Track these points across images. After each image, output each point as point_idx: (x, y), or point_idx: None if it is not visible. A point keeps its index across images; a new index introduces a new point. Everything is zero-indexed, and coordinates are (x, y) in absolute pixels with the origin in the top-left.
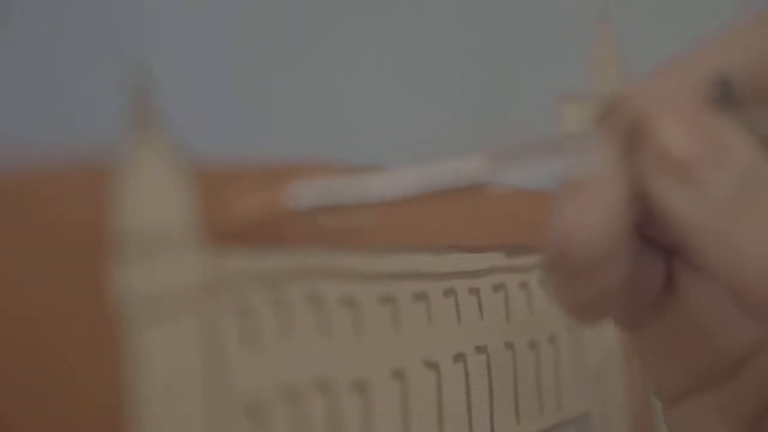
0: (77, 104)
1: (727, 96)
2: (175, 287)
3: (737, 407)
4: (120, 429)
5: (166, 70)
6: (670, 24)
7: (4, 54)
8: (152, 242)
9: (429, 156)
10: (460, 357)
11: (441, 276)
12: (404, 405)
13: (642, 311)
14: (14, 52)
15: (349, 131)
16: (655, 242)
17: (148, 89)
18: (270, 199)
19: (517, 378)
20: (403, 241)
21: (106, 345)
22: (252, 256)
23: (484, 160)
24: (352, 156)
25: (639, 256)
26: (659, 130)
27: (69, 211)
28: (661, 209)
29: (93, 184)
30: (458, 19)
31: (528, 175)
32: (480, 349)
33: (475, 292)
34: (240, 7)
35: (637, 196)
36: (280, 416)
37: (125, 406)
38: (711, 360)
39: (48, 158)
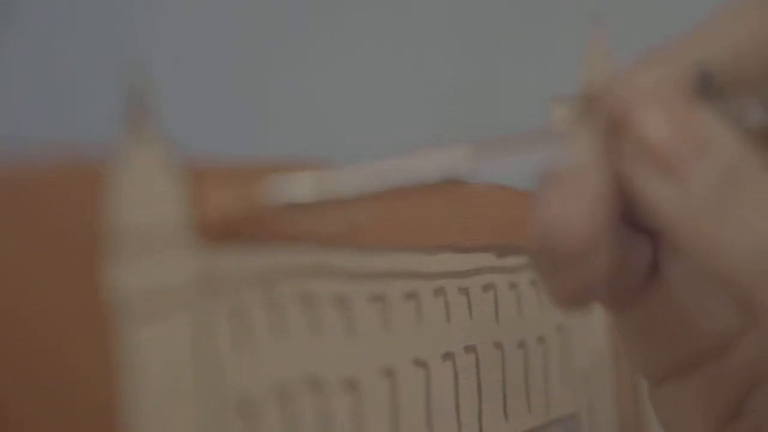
0: (73, 103)
1: (709, 87)
2: (168, 285)
3: (720, 389)
4: (113, 426)
5: (161, 70)
6: (663, 24)
7: (3, 54)
8: (146, 240)
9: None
10: (449, 356)
11: (431, 275)
12: (393, 403)
13: (627, 294)
14: (12, 52)
15: (340, 130)
16: (640, 225)
17: (143, 89)
18: (249, 195)
19: (505, 377)
20: (394, 240)
21: (99, 342)
22: (244, 255)
23: (464, 152)
24: (342, 155)
25: (624, 240)
26: (640, 122)
27: (63, 209)
28: (643, 200)
29: (87, 182)
30: (448, 19)
31: (509, 168)
32: (469, 349)
33: (464, 291)
34: (234, 9)
35: (620, 186)
36: (271, 414)
37: (118, 403)
38: (694, 342)
39: (43, 156)
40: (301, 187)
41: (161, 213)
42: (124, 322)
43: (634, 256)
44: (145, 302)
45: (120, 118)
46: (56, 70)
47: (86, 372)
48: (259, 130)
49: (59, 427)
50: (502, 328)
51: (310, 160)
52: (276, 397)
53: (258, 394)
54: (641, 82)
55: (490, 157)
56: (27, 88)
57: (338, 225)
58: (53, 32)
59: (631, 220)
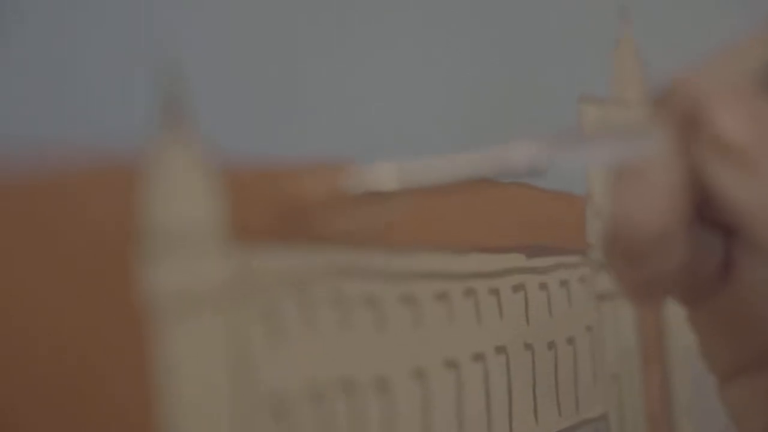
0: (107, 104)
1: None
2: (202, 285)
3: None
4: (149, 425)
5: (194, 70)
6: (690, 25)
7: (35, 54)
8: (180, 240)
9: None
10: (479, 357)
11: (461, 276)
12: (425, 403)
13: (700, 289)
14: (40, 54)
15: (371, 131)
16: (714, 222)
17: (176, 89)
18: (331, 185)
19: (535, 378)
20: (425, 241)
21: (134, 342)
22: (277, 255)
23: (539, 146)
24: (374, 155)
25: (698, 236)
26: (715, 117)
27: (98, 210)
28: (718, 193)
29: (122, 183)
30: (478, 18)
31: (584, 162)
32: (499, 349)
33: (494, 292)
34: (269, 10)
35: (694, 180)
36: (304, 414)
37: (153, 402)
38: (764, 341)
39: (77, 157)
40: (382, 177)
41: (195, 213)
42: (158, 321)
43: (707, 253)
44: (179, 302)
45: (153, 118)
46: (86, 71)
47: (121, 372)
48: (285, 131)
49: (96, 426)
50: (532, 328)
51: (343, 161)
52: (308, 397)
53: (291, 393)
54: (714, 78)
55: (567, 149)
56: (58, 89)
57: (375, 222)
58: (85, 33)
59: (705, 216)
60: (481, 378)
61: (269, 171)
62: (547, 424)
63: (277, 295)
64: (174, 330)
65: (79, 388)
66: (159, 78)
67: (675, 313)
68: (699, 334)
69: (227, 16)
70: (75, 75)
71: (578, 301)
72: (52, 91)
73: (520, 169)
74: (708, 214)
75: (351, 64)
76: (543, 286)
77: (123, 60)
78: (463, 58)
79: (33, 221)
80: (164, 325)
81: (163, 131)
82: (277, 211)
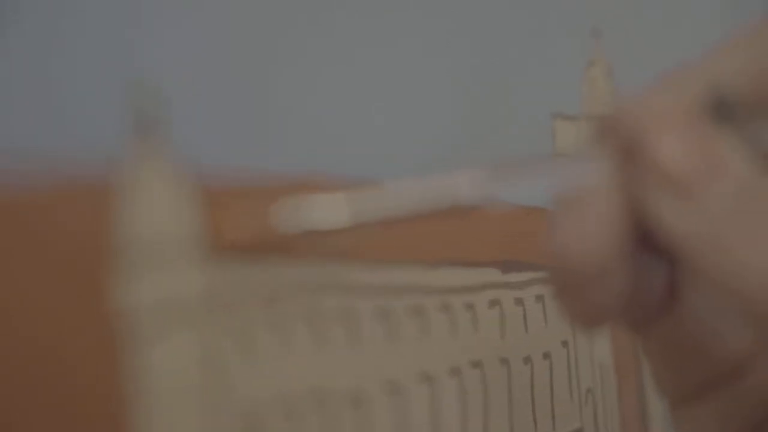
0: (79, 117)
1: (723, 110)
2: (175, 300)
3: (738, 412)
4: None
5: (168, 83)
6: (663, 42)
7: (5, 67)
8: (154, 255)
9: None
10: (455, 371)
11: (437, 290)
12: (399, 418)
13: (645, 315)
14: (15, 66)
15: (346, 146)
16: (658, 248)
17: (150, 103)
18: (263, 219)
19: (511, 393)
20: (400, 255)
21: (107, 357)
22: (251, 270)
23: (480, 175)
24: (349, 169)
25: (641, 262)
26: (655, 145)
27: (71, 224)
28: (658, 224)
29: (94, 197)
30: (451, 36)
31: (524, 191)
32: (475, 364)
33: (470, 307)
34: (244, 21)
35: (636, 208)
36: (278, 428)
37: (126, 417)
38: (712, 364)
39: (49, 171)
40: (319, 211)
41: (169, 228)
42: (132, 336)
43: (651, 279)
44: (153, 317)
45: (126, 132)
46: (59, 84)
47: (95, 387)
48: (260, 145)
49: None
50: (508, 343)
51: (318, 176)
52: (282, 412)
53: (265, 408)
54: (655, 106)
55: (507, 179)
56: (29, 101)
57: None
58: (56, 46)
59: (649, 242)
60: (457, 392)
61: (244, 185)
62: None
63: (252, 310)
64: (148, 344)
65: (52, 401)
66: (133, 92)
67: None
68: (649, 359)
69: (201, 31)
70: (49, 90)
71: (554, 316)
72: (26, 106)
73: (463, 200)
74: (652, 240)
75: (326, 78)
76: (519, 301)
77: (97, 74)
78: (437, 77)
79: (5, 236)
80: (138, 339)
81: (137, 145)
82: (252, 226)
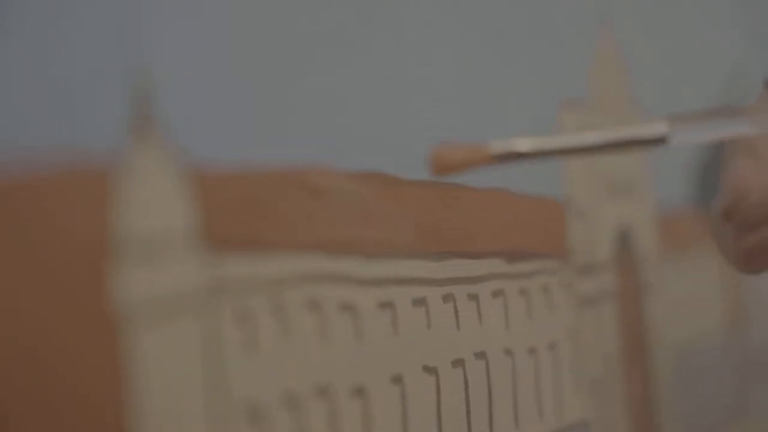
0: (79, 109)
1: None
2: (175, 291)
3: None
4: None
5: (166, 75)
6: (670, 28)
7: (5, 59)
8: (153, 246)
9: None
10: (459, 362)
11: (440, 281)
12: (403, 410)
13: None
14: (15, 58)
15: (347, 135)
16: None
17: (148, 94)
18: (475, 147)
19: (516, 384)
20: (403, 246)
21: (107, 348)
22: (252, 261)
23: (665, 122)
24: (348, 159)
25: None
26: None
27: (70, 216)
28: None
29: (94, 189)
30: (458, 23)
31: (706, 135)
32: (479, 355)
33: (474, 297)
34: (242, 13)
35: None
36: (279, 420)
37: (126, 408)
38: None
39: (49, 162)
40: (520, 142)
41: (168, 219)
42: (131, 328)
43: None
44: (152, 308)
45: (125, 123)
46: (58, 75)
47: (94, 377)
48: (260, 135)
49: None
50: (513, 334)
51: (315, 165)
52: (284, 404)
53: (266, 400)
54: None
55: (690, 124)
56: (29, 94)
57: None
58: (56, 38)
59: None
60: (461, 384)
61: (243, 176)
62: (528, 429)
63: (252, 302)
64: (148, 336)
65: (51, 394)
66: (132, 84)
67: (656, 319)
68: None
69: (200, 22)
70: (48, 82)
71: (559, 306)
72: (25, 98)
73: (651, 140)
74: None
75: (328, 72)
76: (523, 292)
77: (96, 67)
78: (443, 65)
79: (4, 226)
80: (138, 331)
81: (136, 138)
82: (251, 217)
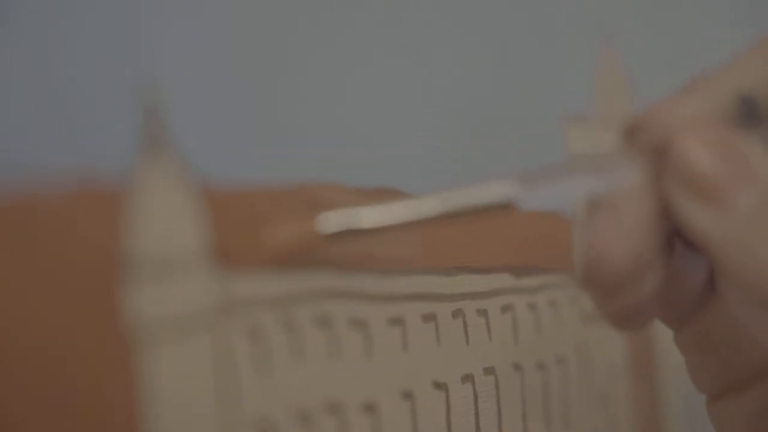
0: (88, 128)
1: (750, 114)
2: (186, 310)
3: None
4: None
5: (176, 93)
6: (676, 45)
7: (14, 77)
8: (164, 265)
9: (432, 178)
10: (468, 378)
11: (449, 297)
12: (413, 426)
13: (684, 310)
14: (25, 77)
15: (356, 152)
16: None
17: (158, 112)
18: (303, 226)
19: (525, 398)
20: (412, 262)
21: (118, 368)
22: (263, 279)
23: (512, 182)
24: (358, 177)
25: (679, 257)
26: (682, 149)
27: (81, 235)
28: (686, 225)
29: (105, 208)
30: (465, 39)
31: (557, 197)
32: (488, 370)
33: (483, 313)
34: (250, 31)
35: (667, 207)
36: None
37: (138, 428)
38: (749, 359)
39: (60, 182)
40: (356, 217)
41: (179, 237)
42: (143, 347)
43: (689, 274)
44: (164, 327)
45: (135, 142)
46: (68, 94)
47: (106, 397)
48: (270, 153)
49: None
50: (521, 349)
51: (326, 184)
52: (295, 421)
53: (277, 417)
54: (683, 110)
55: (540, 187)
56: (38, 112)
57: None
58: (64, 57)
59: (685, 238)
60: (471, 399)
61: (253, 194)
62: None
63: (263, 320)
64: (159, 355)
65: (65, 414)
66: (141, 101)
67: (664, 332)
68: (686, 354)
69: (208, 39)
70: (58, 99)
71: (567, 320)
72: (35, 115)
73: (495, 206)
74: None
75: (333, 83)
76: (531, 306)
77: (106, 84)
78: (451, 81)
79: (15, 246)
80: (149, 349)
81: (146, 155)
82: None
